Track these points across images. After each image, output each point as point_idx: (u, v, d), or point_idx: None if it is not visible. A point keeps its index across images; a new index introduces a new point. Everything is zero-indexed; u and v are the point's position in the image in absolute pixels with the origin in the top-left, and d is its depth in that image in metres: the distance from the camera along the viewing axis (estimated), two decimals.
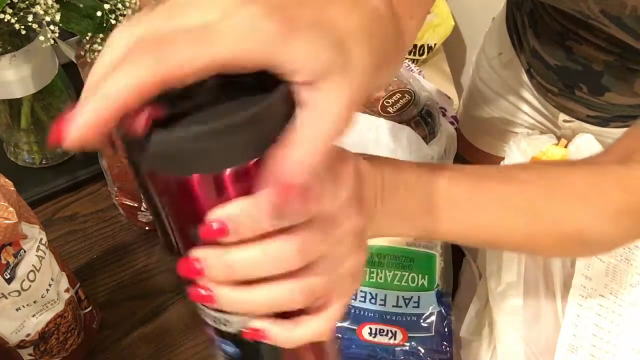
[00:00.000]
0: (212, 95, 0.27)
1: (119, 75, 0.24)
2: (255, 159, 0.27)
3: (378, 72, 0.31)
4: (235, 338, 0.32)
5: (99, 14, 0.63)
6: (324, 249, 0.30)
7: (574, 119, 0.87)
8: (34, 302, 0.58)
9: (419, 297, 0.67)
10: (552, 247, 0.49)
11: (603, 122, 0.84)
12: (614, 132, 0.84)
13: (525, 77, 0.89)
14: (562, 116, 0.88)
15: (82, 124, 0.24)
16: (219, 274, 0.28)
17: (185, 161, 0.26)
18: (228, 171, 0.27)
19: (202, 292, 0.29)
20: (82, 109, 0.24)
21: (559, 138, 0.78)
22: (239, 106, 0.26)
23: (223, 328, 0.32)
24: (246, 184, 0.27)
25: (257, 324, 0.30)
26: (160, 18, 0.25)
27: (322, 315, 0.31)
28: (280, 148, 0.26)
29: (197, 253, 0.28)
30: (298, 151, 0.26)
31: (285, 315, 0.31)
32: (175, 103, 0.26)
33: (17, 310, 0.57)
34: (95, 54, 0.66)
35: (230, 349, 0.33)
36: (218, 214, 0.27)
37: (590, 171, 0.48)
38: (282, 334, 0.30)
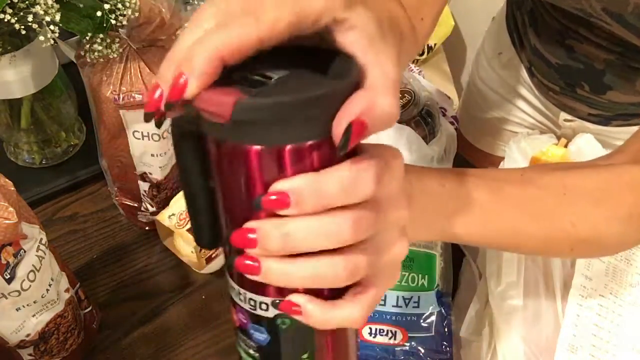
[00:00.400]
0: (287, 74, 0.29)
1: (224, 32, 0.27)
2: (328, 136, 0.28)
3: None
4: (269, 323, 0.33)
5: (99, 14, 0.63)
6: (374, 229, 0.31)
7: (575, 118, 0.87)
8: (34, 302, 0.58)
9: (419, 297, 0.67)
10: (568, 250, 0.50)
11: (604, 121, 0.84)
12: (615, 131, 0.84)
13: (525, 77, 0.89)
14: (563, 115, 0.88)
15: (198, 73, 0.27)
16: (273, 244, 0.29)
17: (264, 130, 0.28)
18: (305, 144, 0.28)
19: (249, 262, 0.30)
20: (193, 60, 0.27)
21: (559, 138, 0.78)
22: (316, 83, 0.28)
23: (259, 312, 0.32)
24: (315, 159, 0.28)
25: (296, 297, 0.31)
26: None
27: (358, 300, 0.32)
28: (362, 91, 0.28)
29: (253, 224, 0.29)
30: (378, 95, 0.28)
31: (323, 298, 0.31)
32: (255, 85, 0.28)
33: (17, 310, 0.57)
34: (95, 53, 0.66)
35: (261, 335, 0.33)
36: (283, 186, 0.28)
37: (605, 174, 0.49)
38: (317, 312, 0.31)
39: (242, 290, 0.32)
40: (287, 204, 0.28)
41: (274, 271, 0.30)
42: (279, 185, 0.28)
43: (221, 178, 0.30)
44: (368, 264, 0.31)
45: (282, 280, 0.30)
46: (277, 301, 0.31)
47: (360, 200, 0.29)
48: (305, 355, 0.34)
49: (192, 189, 0.32)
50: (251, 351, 0.34)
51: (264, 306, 0.32)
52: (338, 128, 0.28)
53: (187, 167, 0.31)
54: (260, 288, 0.32)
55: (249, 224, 0.29)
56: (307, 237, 0.29)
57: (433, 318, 0.66)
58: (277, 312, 0.32)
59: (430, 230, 0.42)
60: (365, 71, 0.29)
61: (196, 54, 0.27)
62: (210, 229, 0.33)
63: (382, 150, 0.31)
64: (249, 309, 0.33)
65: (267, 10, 0.27)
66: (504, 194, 0.44)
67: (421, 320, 0.66)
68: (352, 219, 0.29)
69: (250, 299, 0.32)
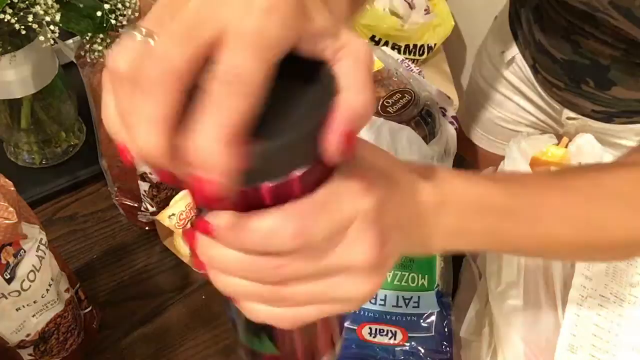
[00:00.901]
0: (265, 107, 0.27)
1: (222, 113, 0.24)
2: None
3: None
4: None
5: (99, 14, 0.63)
6: (308, 276, 0.29)
7: (578, 116, 0.87)
8: (34, 302, 0.58)
9: (419, 297, 0.67)
10: (600, 254, 0.48)
11: (608, 118, 0.84)
12: (618, 129, 0.85)
13: (529, 74, 0.89)
14: (566, 113, 0.88)
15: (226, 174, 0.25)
16: (204, 259, 0.30)
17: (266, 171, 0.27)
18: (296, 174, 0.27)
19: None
20: (210, 162, 0.24)
21: (560, 137, 0.78)
22: (301, 111, 0.27)
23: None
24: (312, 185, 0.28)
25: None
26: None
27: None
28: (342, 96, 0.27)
29: (195, 232, 0.30)
30: (356, 95, 0.27)
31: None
32: None
33: (17, 310, 0.57)
34: (96, 53, 0.66)
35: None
36: (210, 218, 0.28)
37: (633, 173, 0.47)
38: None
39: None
40: (210, 232, 0.28)
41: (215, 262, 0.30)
42: (208, 216, 0.28)
43: None
44: (308, 297, 0.30)
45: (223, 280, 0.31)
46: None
47: (279, 252, 0.28)
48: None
49: None
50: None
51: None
52: (330, 147, 0.27)
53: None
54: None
55: (192, 228, 0.30)
56: (227, 267, 0.29)
57: (433, 318, 0.66)
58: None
59: (468, 241, 0.39)
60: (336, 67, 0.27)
61: (209, 153, 0.24)
62: None
63: (329, 191, 0.29)
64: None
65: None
66: (539, 199, 0.41)
67: (421, 320, 0.66)
68: (274, 265, 0.28)
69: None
